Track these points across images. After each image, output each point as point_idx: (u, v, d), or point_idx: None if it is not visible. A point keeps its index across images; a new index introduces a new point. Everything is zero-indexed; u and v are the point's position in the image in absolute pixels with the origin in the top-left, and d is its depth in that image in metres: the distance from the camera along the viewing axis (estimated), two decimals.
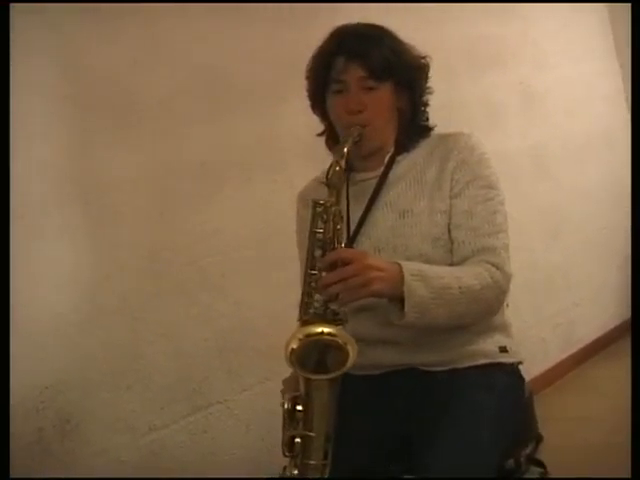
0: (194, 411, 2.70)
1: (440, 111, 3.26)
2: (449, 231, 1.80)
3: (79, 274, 2.46)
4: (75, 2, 2.50)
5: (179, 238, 2.71)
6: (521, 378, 1.93)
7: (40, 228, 2.36)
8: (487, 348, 1.85)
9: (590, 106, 4.87)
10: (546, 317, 4.31)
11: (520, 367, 1.94)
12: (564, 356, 4.40)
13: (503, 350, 1.87)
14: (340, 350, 1.55)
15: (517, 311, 3.89)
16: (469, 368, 1.81)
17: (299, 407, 1.60)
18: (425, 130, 1.94)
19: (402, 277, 1.60)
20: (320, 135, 2.00)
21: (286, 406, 1.62)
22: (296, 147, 2.96)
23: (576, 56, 4.84)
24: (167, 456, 2.60)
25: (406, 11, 3.62)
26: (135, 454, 2.52)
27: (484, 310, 1.78)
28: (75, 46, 2.51)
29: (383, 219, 1.85)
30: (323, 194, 1.73)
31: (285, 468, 1.64)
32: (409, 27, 3.33)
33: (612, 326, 4.81)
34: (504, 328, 1.91)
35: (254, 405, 2.83)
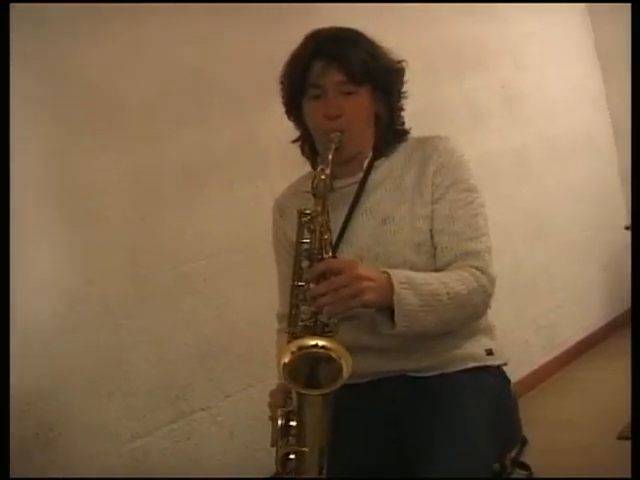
0: (177, 418, 2.68)
1: (422, 114, 3.27)
2: (431, 236, 1.79)
3: (61, 279, 2.44)
4: (71, 2, 2.49)
5: (161, 242, 2.70)
6: (507, 380, 1.94)
7: (22, 232, 2.34)
8: (474, 351, 1.85)
9: (572, 108, 4.89)
10: (529, 319, 4.32)
11: (504, 369, 1.94)
12: (548, 358, 4.41)
13: (489, 353, 1.87)
14: (332, 362, 1.53)
15: (500, 314, 3.88)
16: (458, 372, 1.81)
17: (292, 422, 1.59)
18: (402, 134, 1.92)
19: (391, 286, 1.59)
20: (295, 142, 1.98)
21: (280, 422, 1.61)
22: (278, 151, 2.95)
23: (557, 58, 4.86)
24: (150, 463, 2.57)
25: (389, 14, 3.63)
26: (118, 462, 2.50)
27: (471, 314, 1.78)
28: (57, 49, 2.49)
29: (364, 226, 1.82)
30: (299, 202, 1.72)
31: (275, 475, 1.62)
32: (391, 30, 3.35)
33: (595, 328, 4.83)
34: (489, 331, 1.92)
35: (238, 411, 2.81)
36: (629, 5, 4.86)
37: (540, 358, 4.36)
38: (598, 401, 3.83)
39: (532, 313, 4.35)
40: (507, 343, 3.88)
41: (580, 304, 4.76)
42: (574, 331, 4.65)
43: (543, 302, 4.45)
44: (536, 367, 4.30)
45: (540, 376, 4.28)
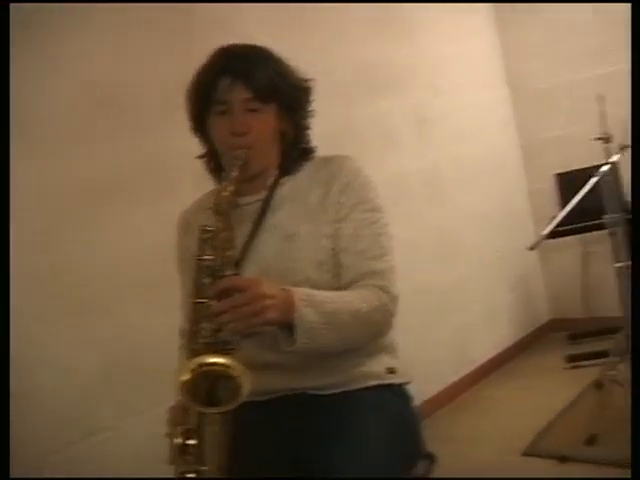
0: (83, 437, 2.62)
1: (335, 134, 3.29)
2: (335, 255, 1.80)
3: None
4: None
5: (67, 260, 2.64)
6: (409, 398, 1.95)
7: None
8: (376, 370, 1.86)
9: (483, 132, 4.99)
10: (440, 338, 4.36)
11: (408, 387, 1.96)
12: (458, 377, 4.46)
13: (391, 371, 1.89)
14: (232, 380, 1.51)
15: (412, 332, 3.94)
16: (359, 390, 1.82)
17: (191, 441, 1.57)
18: (308, 153, 1.93)
19: (293, 303, 1.59)
20: (201, 158, 1.97)
21: (178, 440, 1.59)
22: (189, 167, 2.92)
23: (469, 83, 4.97)
24: None
25: (302, 32, 3.65)
26: None
27: (373, 333, 1.80)
28: None
29: (268, 244, 1.82)
30: (204, 218, 1.71)
31: None
32: (305, 49, 3.36)
33: (505, 346, 4.92)
34: (391, 349, 1.93)
35: (145, 430, 2.75)
36: (541, 31, 5.04)
37: (451, 376, 4.41)
38: (506, 419, 3.89)
39: (443, 332, 4.40)
40: (418, 362, 3.90)
41: (490, 323, 4.84)
42: (484, 350, 4.72)
43: (454, 321, 4.51)
44: (447, 385, 4.35)
45: (451, 394, 4.33)
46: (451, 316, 4.50)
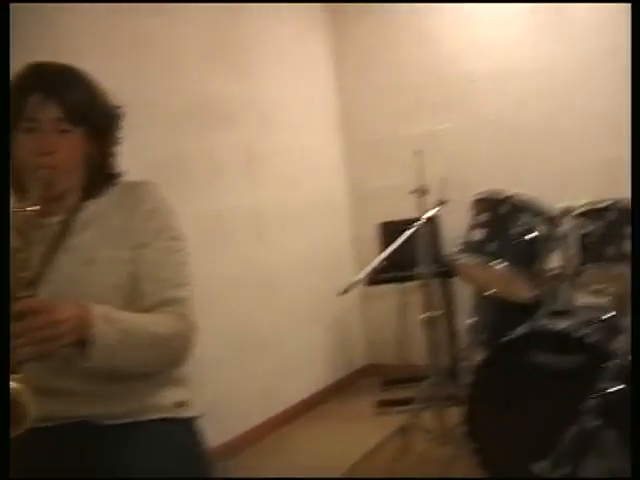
0: None
1: (161, 164, 3.24)
2: (135, 281, 1.78)
3: None
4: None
5: None
6: (198, 433, 1.93)
7: None
8: (165, 402, 1.84)
9: (311, 175, 5.10)
10: (253, 377, 4.36)
11: (197, 421, 1.94)
12: (268, 417, 4.46)
13: (181, 404, 1.88)
14: (16, 406, 1.45)
15: (225, 369, 3.92)
16: (145, 422, 1.79)
17: None
18: (114, 177, 1.91)
19: (90, 319, 1.56)
20: None
21: None
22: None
23: (302, 123, 5.06)
24: None
25: (134, 61, 3.59)
26: None
27: (171, 358, 1.79)
28: None
29: (65, 266, 1.78)
30: None
31: None
32: (135, 77, 3.31)
33: (318, 389, 4.97)
34: (184, 382, 1.92)
35: None
36: (377, 85, 5.21)
37: (260, 415, 4.41)
38: (312, 460, 3.92)
39: (255, 371, 4.40)
40: (229, 399, 3.90)
41: (304, 365, 4.88)
42: (296, 391, 4.75)
43: (268, 361, 4.52)
44: (256, 424, 4.34)
45: (259, 433, 4.32)
46: (266, 356, 4.51)
